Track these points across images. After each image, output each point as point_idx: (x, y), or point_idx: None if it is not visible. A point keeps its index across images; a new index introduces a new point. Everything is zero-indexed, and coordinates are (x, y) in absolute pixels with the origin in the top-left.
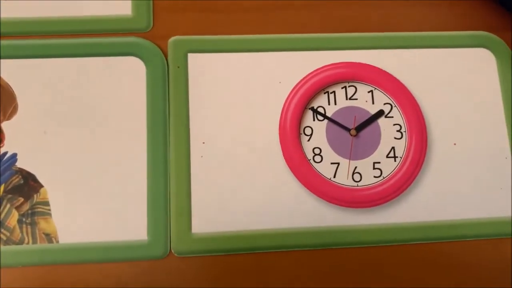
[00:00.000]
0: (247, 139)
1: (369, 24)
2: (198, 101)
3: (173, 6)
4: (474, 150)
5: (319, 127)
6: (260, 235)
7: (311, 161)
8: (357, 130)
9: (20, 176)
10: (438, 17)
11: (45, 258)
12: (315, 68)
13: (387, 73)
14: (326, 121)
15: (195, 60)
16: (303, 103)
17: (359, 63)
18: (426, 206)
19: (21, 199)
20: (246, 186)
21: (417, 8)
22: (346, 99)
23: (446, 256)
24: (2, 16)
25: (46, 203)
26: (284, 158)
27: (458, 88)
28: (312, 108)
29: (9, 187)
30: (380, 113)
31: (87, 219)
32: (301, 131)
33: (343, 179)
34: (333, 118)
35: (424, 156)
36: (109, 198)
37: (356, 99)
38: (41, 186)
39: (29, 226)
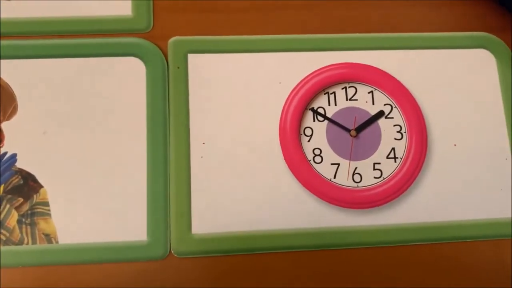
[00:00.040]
0: (247, 140)
1: (369, 25)
2: (198, 102)
3: (173, 6)
4: (474, 151)
5: (319, 128)
6: (260, 236)
7: (311, 161)
8: (357, 131)
9: (20, 177)
10: (438, 18)
11: (45, 259)
12: (315, 69)
13: (387, 73)
14: (326, 121)
15: (195, 61)
16: (303, 103)
17: (360, 64)
18: (426, 207)
19: (21, 200)
20: (246, 187)
21: (417, 9)
22: (346, 99)
23: (446, 257)
24: (2, 16)
25: (46, 204)
26: (284, 158)
27: (458, 88)
28: (312, 109)
29: (9, 187)
30: (380, 113)
31: (87, 220)
32: (301, 132)
33: (343, 179)
34: (333, 118)
35: (424, 157)
36: (109, 199)
37: (356, 99)
38: (41, 186)
39: (28, 227)
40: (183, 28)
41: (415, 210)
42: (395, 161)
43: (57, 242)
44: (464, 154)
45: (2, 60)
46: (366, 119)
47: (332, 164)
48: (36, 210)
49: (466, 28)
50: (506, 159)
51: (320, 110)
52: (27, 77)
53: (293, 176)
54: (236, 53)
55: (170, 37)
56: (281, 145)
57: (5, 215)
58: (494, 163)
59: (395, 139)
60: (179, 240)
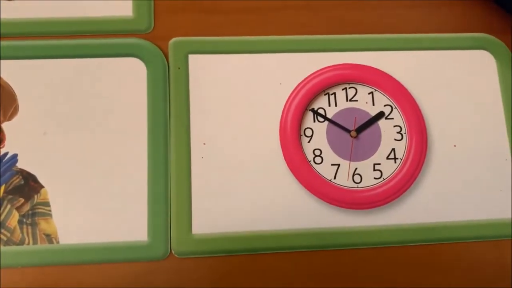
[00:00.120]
0: (247, 140)
1: (369, 26)
2: (198, 102)
3: (174, 7)
4: (474, 151)
5: (320, 129)
6: (261, 236)
7: (312, 162)
8: (358, 132)
9: (21, 177)
10: (438, 19)
11: (46, 259)
12: (315, 70)
13: (388, 74)
14: (326, 122)
15: (195, 61)
16: (303, 104)
17: (360, 65)
18: (426, 207)
19: (22, 200)
20: (246, 187)
21: (417, 10)
22: (347, 100)
23: (446, 257)
24: (2, 16)
25: (47, 204)
26: (285, 159)
27: (458, 89)
28: (312, 110)
29: (10, 187)
30: (381, 114)
31: (88, 220)
32: (302, 133)
33: (344, 180)
34: (334, 119)
35: (424, 158)
36: (110, 199)
37: (357, 100)
38: (42, 186)
39: (29, 227)
40: (184, 28)
41: (415, 211)
42: (395, 162)
43: (58, 242)
44: (464, 154)
45: (2, 61)
46: (366, 119)
47: (332, 164)
48: (37, 210)
49: (466, 29)
50: (506, 159)
51: (321, 111)
52: (28, 77)
53: (293, 177)
54: (237, 54)
55: (171, 37)
56: (281, 145)
57: (6, 215)
58: (494, 164)
59: (395, 139)
60: (180, 240)
